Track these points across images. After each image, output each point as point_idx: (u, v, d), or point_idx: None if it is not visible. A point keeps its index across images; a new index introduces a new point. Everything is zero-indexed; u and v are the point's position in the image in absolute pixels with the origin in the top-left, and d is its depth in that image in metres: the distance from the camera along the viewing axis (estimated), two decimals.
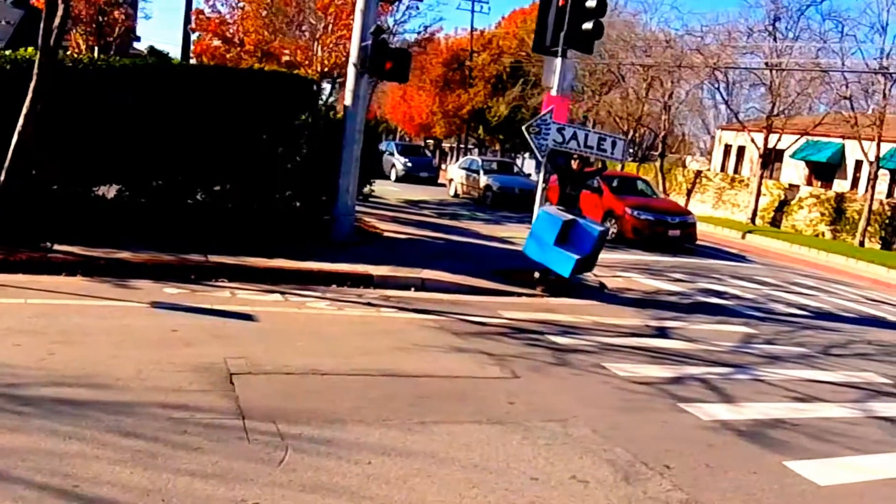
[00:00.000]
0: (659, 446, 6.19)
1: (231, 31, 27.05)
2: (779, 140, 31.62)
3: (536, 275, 12.73)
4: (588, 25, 13.37)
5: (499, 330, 9.61)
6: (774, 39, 31.18)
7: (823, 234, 30.93)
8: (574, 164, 12.81)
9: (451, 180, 30.99)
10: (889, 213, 28.89)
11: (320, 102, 17.04)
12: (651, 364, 8.77)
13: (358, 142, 14.22)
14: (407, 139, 61.60)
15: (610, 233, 19.83)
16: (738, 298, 14.42)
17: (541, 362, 8.27)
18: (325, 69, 21.29)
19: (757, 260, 21.85)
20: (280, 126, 13.71)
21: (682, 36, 33.75)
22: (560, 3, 14.08)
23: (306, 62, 21.60)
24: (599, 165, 13.72)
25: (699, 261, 19.14)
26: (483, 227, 20.73)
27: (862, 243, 28.43)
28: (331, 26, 21.43)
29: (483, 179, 27.89)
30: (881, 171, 30.66)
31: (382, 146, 41.95)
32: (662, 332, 10.63)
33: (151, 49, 15.68)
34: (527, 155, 49.25)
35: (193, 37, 26.58)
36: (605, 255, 17.45)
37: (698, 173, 37.02)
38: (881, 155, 28.90)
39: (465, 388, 7.11)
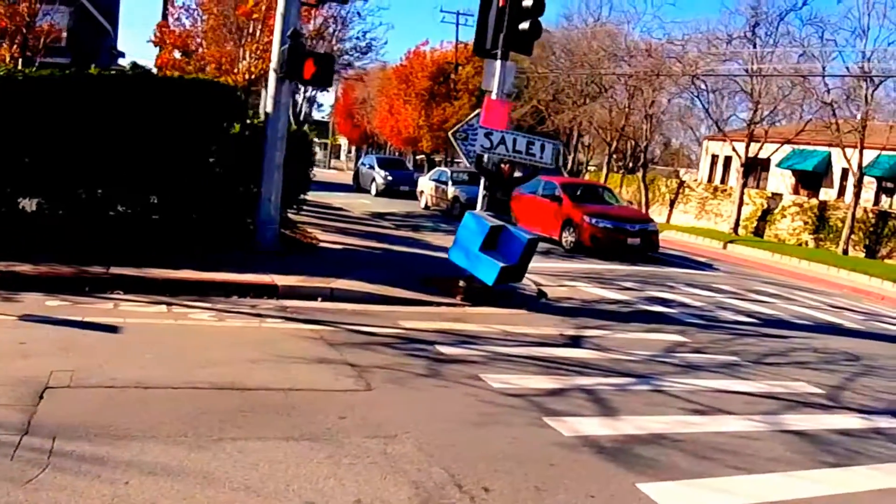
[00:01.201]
0: (490, 466, 5.39)
1: (195, 43, 26.47)
2: (760, 148, 30.91)
3: (461, 283, 11.92)
4: (525, 25, 12.84)
5: (385, 340, 8.85)
6: (754, 46, 30.36)
7: (807, 243, 30.11)
8: (504, 169, 11.99)
9: (421, 192, 30.34)
10: (873, 221, 28.04)
11: (252, 111, 16.29)
12: (538, 375, 8.01)
13: (280, 149, 13.57)
14: (396, 154, 60.97)
15: (568, 242, 19.06)
16: (684, 306, 13.62)
17: (408, 374, 7.51)
18: (253, 76, 20.55)
19: (724, 268, 21.07)
20: (203, 134, 13.16)
21: (663, 44, 32.83)
22: (500, 4, 13.50)
23: (234, 70, 20.89)
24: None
25: (658, 269, 18.32)
26: (437, 238, 19.98)
27: (846, 251, 27.60)
28: (258, 33, 20.70)
29: (451, 191, 27.20)
30: (867, 179, 29.82)
31: (363, 160, 41.38)
32: (575, 342, 9.86)
33: (134, 65, 15.16)
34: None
35: (157, 50, 26.07)
36: (558, 265, 17.11)
37: (681, 183, 36.22)
38: (867, 162, 28.00)
39: (298, 402, 6.35)
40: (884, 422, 7.78)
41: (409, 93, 49.52)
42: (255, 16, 19.82)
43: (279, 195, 13.78)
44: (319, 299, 11.07)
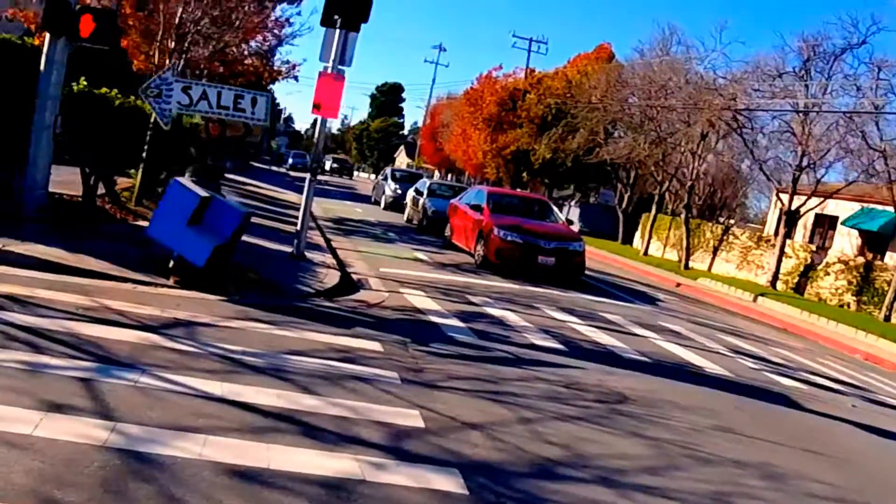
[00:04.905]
0: None
1: None
2: (820, 203, 27.35)
3: (171, 263, 9.68)
4: None
5: None
6: (805, 84, 26.74)
7: (849, 304, 26.16)
8: (213, 129, 9.68)
9: (404, 205, 28.06)
10: None
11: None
12: None
13: (50, 110, 11.62)
14: (466, 178, 58.93)
15: (478, 256, 16.55)
16: (504, 327, 11.13)
17: None
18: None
19: (673, 304, 17.83)
20: None
21: (715, 80, 29.63)
22: None
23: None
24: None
25: (557, 293, 15.50)
26: (344, 242, 17.75)
27: (888, 318, 23.51)
28: None
29: (424, 202, 24.81)
30: None
31: (382, 173, 39.71)
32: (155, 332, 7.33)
33: None
34: (573, 202, 45.47)
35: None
36: (439, 276, 15.28)
37: (726, 230, 32.56)
38: None
39: None
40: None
41: (477, 117, 47.59)
42: None
43: (49, 158, 11.88)
44: None
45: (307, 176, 13.49)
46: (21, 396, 5.03)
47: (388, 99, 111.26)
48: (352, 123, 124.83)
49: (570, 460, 5.81)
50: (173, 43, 14.91)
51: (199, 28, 15.26)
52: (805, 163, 27.42)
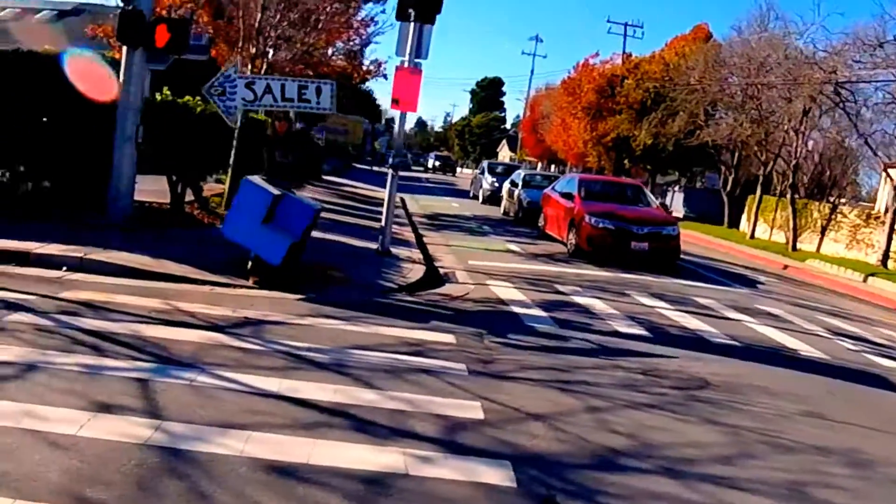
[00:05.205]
0: None
1: None
2: None
3: (249, 264, 9.82)
4: None
5: None
6: None
7: None
8: (279, 127, 9.72)
9: (500, 197, 27.84)
10: None
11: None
12: None
13: (131, 120, 11.97)
14: (569, 168, 58.24)
15: (570, 245, 16.35)
16: (586, 314, 10.95)
17: None
18: None
19: (777, 287, 17.07)
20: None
21: (815, 54, 28.38)
22: None
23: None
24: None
25: (652, 279, 15.06)
26: (435, 237, 17.70)
27: None
28: None
29: (519, 193, 24.57)
30: None
31: (480, 166, 39.61)
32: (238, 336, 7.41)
33: None
34: (677, 188, 44.40)
35: None
36: (532, 266, 15.14)
37: (833, 208, 31.08)
38: None
39: None
40: None
41: (575, 106, 47.02)
42: None
43: (133, 168, 12.22)
44: (65, 269, 9.33)
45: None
46: (74, 398, 5.08)
47: (488, 94, 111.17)
48: (454, 120, 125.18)
49: (634, 450, 5.54)
50: (254, 48, 15.07)
51: (279, 32, 15.38)
52: None
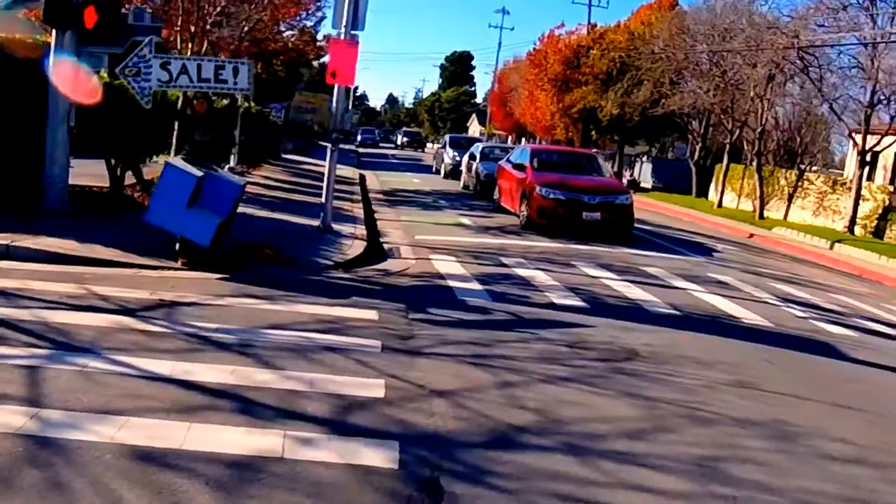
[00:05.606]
0: None
1: None
2: (882, 139, 25.70)
3: (177, 246, 9.59)
4: None
5: None
6: (872, 17, 25.24)
7: None
8: (198, 106, 9.47)
9: (460, 171, 27.64)
10: None
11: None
12: None
13: (63, 105, 11.62)
14: (538, 141, 58.03)
15: (522, 217, 16.22)
16: (524, 285, 10.94)
17: None
18: None
19: (734, 256, 17.03)
20: None
21: (778, 19, 28.31)
22: None
23: None
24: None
25: (602, 249, 14.98)
26: (388, 213, 17.47)
27: None
28: None
29: (476, 166, 24.37)
30: None
31: (441, 141, 39.38)
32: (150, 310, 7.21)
33: None
34: (645, 158, 44.35)
35: None
36: (479, 240, 15.05)
37: (800, 175, 31.09)
38: None
39: None
40: None
41: (542, 78, 46.76)
42: None
43: (66, 152, 11.91)
44: None
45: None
46: None
47: (457, 68, 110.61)
48: (424, 96, 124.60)
49: (539, 427, 5.40)
50: (193, 27, 14.74)
51: (218, 9, 15.05)
52: (877, 100, 25.83)
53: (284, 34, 22.18)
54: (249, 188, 17.37)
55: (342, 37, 12.50)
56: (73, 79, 11.25)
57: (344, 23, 12.39)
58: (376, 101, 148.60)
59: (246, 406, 5.13)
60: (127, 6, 15.74)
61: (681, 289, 11.88)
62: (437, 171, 35.62)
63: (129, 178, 14.19)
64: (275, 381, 5.67)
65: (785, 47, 27.09)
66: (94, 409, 4.83)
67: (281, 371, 5.90)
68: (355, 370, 6.15)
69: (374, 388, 5.77)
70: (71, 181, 12.41)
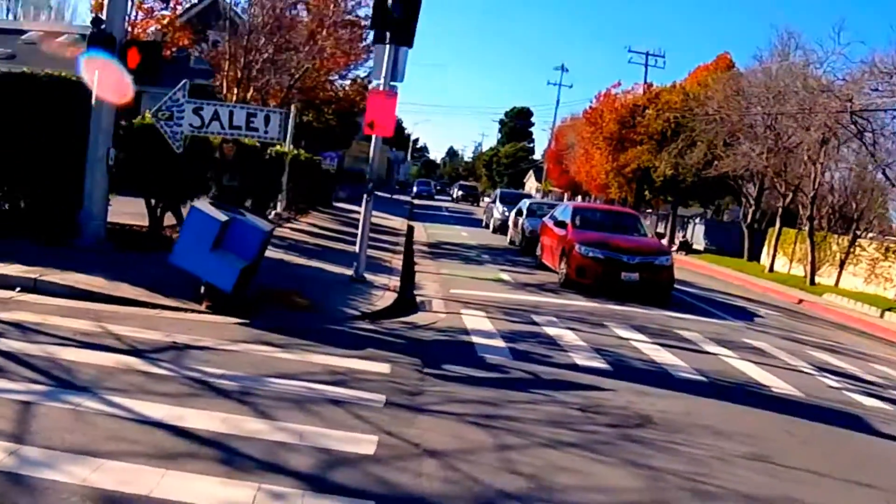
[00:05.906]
0: None
1: None
2: None
3: (202, 289, 9.69)
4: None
5: None
6: None
7: None
8: (227, 150, 9.61)
9: (507, 227, 27.64)
10: None
11: None
12: None
13: (103, 143, 11.96)
14: (592, 200, 57.83)
15: (562, 274, 16.11)
16: (550, 346, 10.66)
17: None
18: None
19: (774, 322, 16.55)
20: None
21: (833, 82, 27.96)
22: None
23: None
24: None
25: (639, 311, 14.69)
26: (429, 265, 17.44)
27: None
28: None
29: (522, 222, 24.37)
30: None
31: (493, 196, 39.49)
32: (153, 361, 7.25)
33: None
34: (698, 220, 43.87)
35: None
36: (517, 297, 14.85)
37: (852, 241, 30.42)
38: None
39: None
40: None
41: (597, 136, 46.81)
42: None
43: (105, 190, 12.20)
44: (18, 289, 9.25)
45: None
46: None
47: (517, 124, 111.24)
48: (483, 150, 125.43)
49: (527, 493, 5.22)
50: (239, 73, 15.03)
51: (265, 56, 15.33)
52: None
53: (335, 83, 22.44)
54: (292, 235, 17.60)
55: (381, 87, 12.59)
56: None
57: (383, 74, 12.50)
58: (436, 154, 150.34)
59: (228, 456, 5.06)
60: (172, 49, 16.07)
61: (712, 354, 11.57)
62: (487, 226, 35.70)
63: (170, 219, 14.39)
64: (265, 431, 5.59)
65: (838, 111, 26.64)
66: (73, 450, 4.80)
67: (274, 422, 5.82)
68: (351, 425, 6.05)
69: (365, 444, 5.65)
70: (113, 219, 12.66)
